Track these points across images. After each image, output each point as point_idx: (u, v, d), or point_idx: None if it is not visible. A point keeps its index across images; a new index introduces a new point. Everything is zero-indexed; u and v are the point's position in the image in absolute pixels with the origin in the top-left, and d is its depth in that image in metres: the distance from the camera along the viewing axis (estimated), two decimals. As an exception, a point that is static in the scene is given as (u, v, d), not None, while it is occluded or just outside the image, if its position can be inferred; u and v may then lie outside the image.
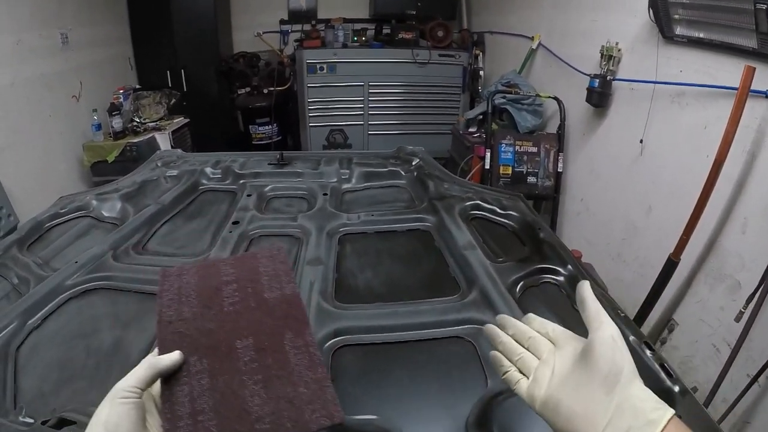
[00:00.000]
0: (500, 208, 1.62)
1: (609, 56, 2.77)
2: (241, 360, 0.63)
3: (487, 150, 3.35)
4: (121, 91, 4.06)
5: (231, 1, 5.25)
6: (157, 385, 0.60)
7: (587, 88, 2.90)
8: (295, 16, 5.36)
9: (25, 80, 3.14)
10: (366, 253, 1.40)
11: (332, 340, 1.02)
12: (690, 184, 2.14)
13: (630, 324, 1.04)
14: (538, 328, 0.64)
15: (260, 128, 4.91)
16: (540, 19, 3.79)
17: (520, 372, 0.63)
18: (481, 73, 4.77)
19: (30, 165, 3.18)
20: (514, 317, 0.67)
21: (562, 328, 0.63)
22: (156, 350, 0.63)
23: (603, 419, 0.51)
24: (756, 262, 1.85)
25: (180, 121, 4.30)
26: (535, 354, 0.63)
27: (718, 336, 2.06)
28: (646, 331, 2.34)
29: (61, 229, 1.57)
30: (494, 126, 3.50)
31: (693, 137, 2.24)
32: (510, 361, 0.64)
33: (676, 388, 0.86)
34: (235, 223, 1.54)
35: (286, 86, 5.02)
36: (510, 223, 1.58)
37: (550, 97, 3.39)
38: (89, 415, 0.78)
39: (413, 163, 2.00)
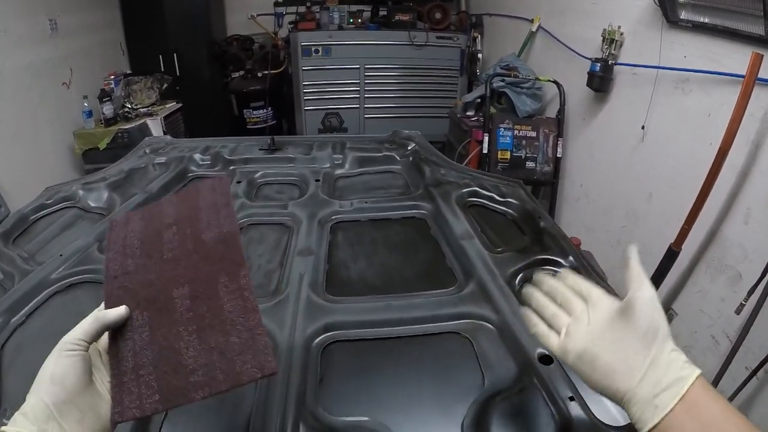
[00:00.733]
0: (499, 196, 1.58)
1: (611, 40, 2.71)
2: (178, 311, 0.62)
3: (485, 134, 3.30)
4: (112, 77, 4.01)
5: (224, -17, 5.15)
6: (104, 339, 0.61)
7: (588, 72, 2.84)
8: (290, -2, 5.26)
9: (14, 69, 3.08)
10: (359, 243, 1.36)
11: (323, 336, 0.99)
12: (692, 173, 2.10)
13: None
14: (572, 284, 0.65)
15: (255, 112, 4.85)
16: (540, 1, 3.71)
17: (550, 328, 0.64)
18: (480, 56, 4.70)
19: (20, 154, 3.13)
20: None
21: (595, 286, 0.64)
22: (102, 305, 0.64)
23: (639, 373, 0.53)
24: (758, 254, 1.82)
25: (172, 106, 4.25)
26: (567, 311, 0.64)
27: (717, 327, 2.05)
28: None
29: (47, 220, 1.54)
30: (492, 110, 3.45)
31: (696, 124, 2.20)
32: (541, 317, 0.66)
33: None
34: (225, 211, 1.49)
35: (281, 69, 4.96)
36: (509, 211, 1.54)
37: (549, 80, 3.34)
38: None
39: (409, 148, 1.95)
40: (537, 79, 3.44)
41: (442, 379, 0.92)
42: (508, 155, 3.32)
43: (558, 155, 3.29)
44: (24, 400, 0.52)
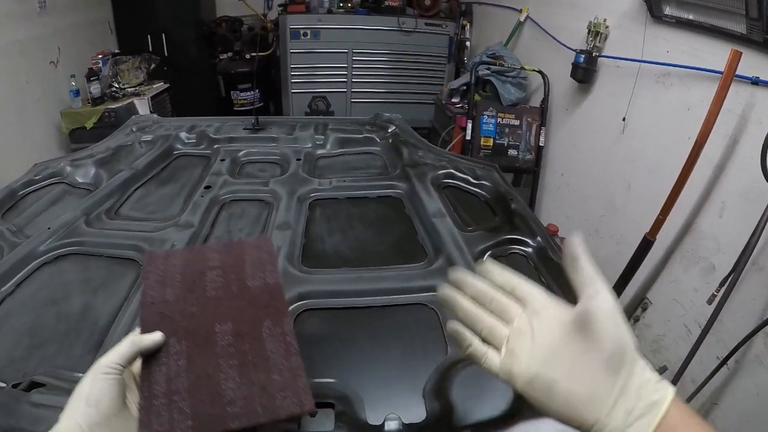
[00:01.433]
0: (474, 178, 1.63)
1: (596, 32, 2.76)
2: (219, 344, 0.65)
3: (468, 121, 3.35)
4: (100, 56, 3.99)
5: (213, -37, 5.11)
6: (138, 363, 0.62)
7: (572, 63, 2.89)
8: (280, -20, 5.22)
9: (1, 47, 3.06)
10: (335, 219, 1.41)
11: (296, 304, 1.03)
12: (670, 165, 2.14)
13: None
14: (503, 283, 0.57)
15: (242, 94, 4.84)
16: (529, -9, 3.73)
17: (486, 342, 0.55)
18: (468, 44, 4.71)
19: (6, 133, 3.12)
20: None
21: (526, 282, 0.56)
22: (138, 329, 0.65)
23: (608, 402, 0.46)
24: (731, 246, 1.86)
25: (160, 86, 4.24)
26: (501, 318, 0.55)
27: (690, 317, 2.10)
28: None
29: (35, 196, 1.56)
30: (477, 97, 3.49)
31: (676, 118, 2.24)
32: (473, 330, 0.56)
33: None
34: (208, 187, 1.54)
35: (269, 52, 4.94)
36: (482, 192, 1.59)
37: (534, 70, 3.38)
38: (58, 378, 0.80)
39: (389, 130, 2.00)
40: (522, 68, 3.49)
41: (408, 347, 0.97)
42: (490, 142, 3.38)
43: (540, 144, 3.35)
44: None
